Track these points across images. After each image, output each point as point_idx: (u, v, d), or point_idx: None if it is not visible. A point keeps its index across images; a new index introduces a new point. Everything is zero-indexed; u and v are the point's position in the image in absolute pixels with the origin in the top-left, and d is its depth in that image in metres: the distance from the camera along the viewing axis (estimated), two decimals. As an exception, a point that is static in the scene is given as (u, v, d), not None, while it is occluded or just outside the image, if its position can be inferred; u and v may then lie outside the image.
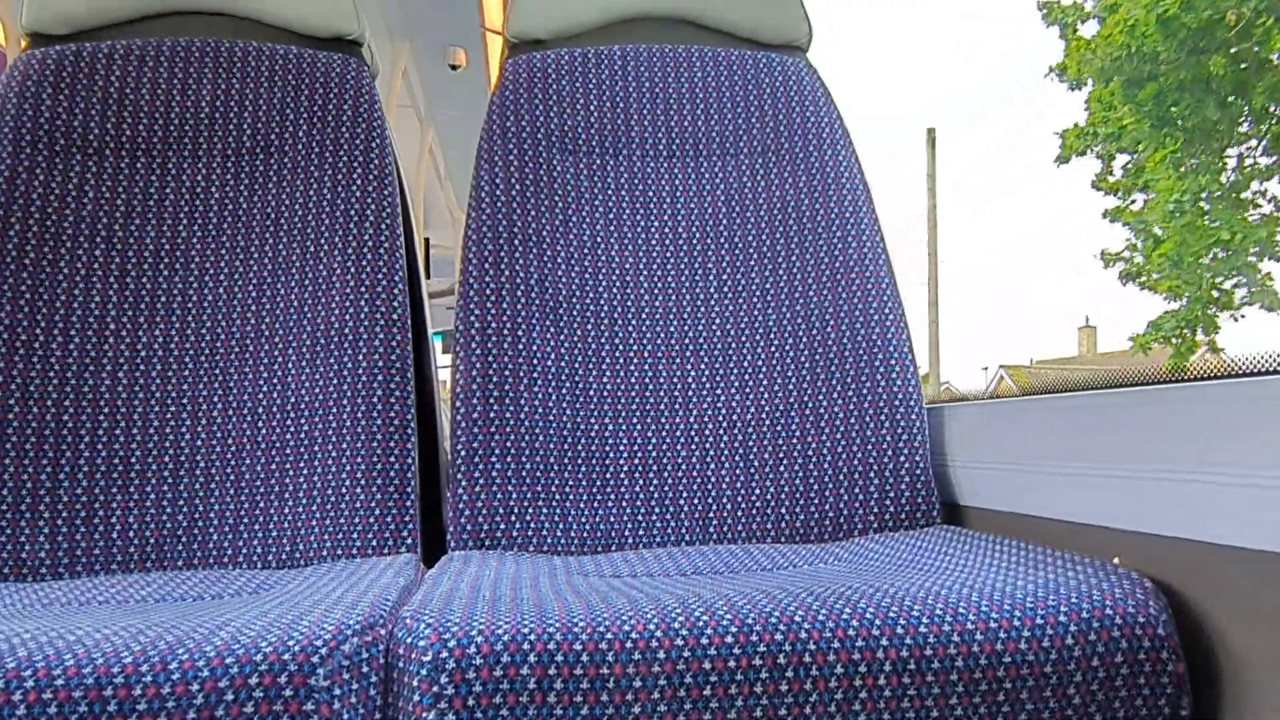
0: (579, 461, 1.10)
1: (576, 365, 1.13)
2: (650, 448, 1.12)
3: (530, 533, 1.05)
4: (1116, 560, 0.76)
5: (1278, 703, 0.61)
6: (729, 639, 0.64)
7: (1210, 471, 0.67)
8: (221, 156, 1.16)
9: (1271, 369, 0.68)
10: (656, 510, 1.10)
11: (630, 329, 1.16)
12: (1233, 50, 10.60)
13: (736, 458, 1.12)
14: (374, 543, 1.02)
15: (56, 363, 1.07)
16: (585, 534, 1.07)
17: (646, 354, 1.15)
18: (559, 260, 1.16)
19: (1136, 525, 0.75)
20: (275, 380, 1.09)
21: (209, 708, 0.59)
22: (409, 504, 1.04)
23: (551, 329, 1.13)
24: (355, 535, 1.02)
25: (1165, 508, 0.71)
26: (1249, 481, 0.63)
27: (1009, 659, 0.64)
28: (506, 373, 1.09)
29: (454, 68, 4.81)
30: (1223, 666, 0.66)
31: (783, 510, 1.10)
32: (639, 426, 1.12)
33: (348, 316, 1.09)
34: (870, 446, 1.10)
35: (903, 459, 1.09)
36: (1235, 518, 0.64)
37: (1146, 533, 0.74)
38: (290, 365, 1.09)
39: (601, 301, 1.16)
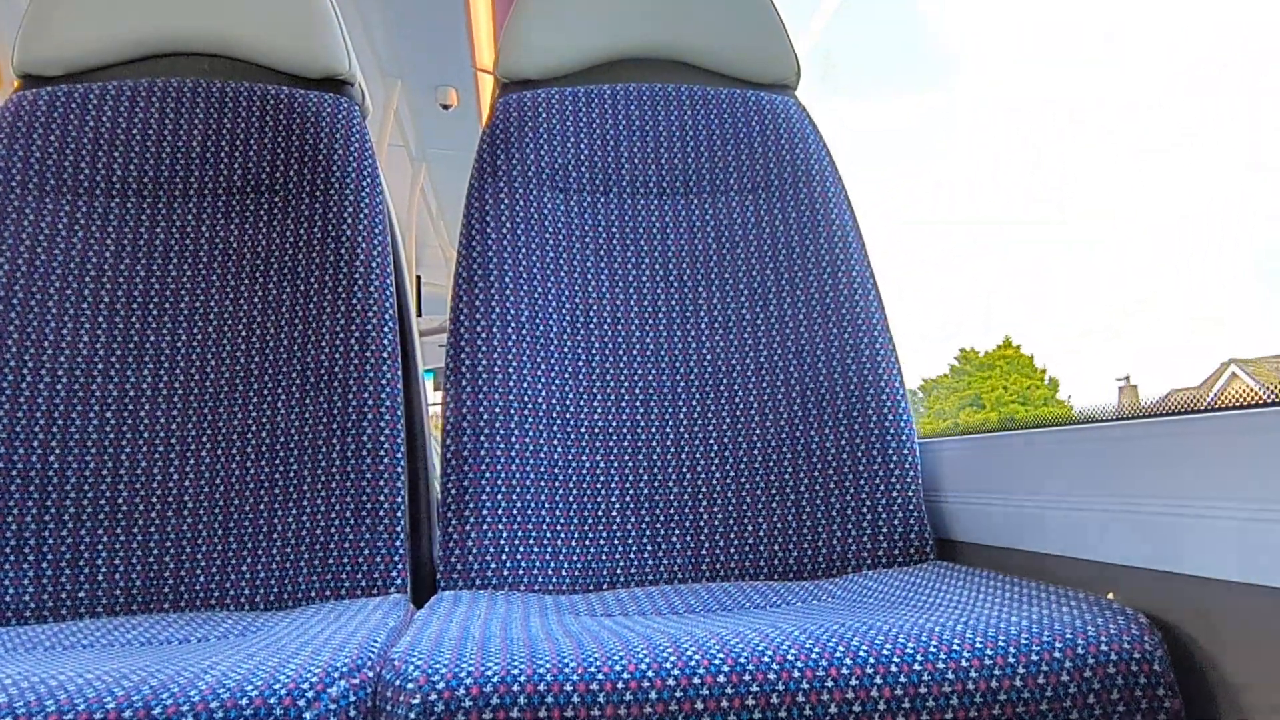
0: (570, 499, 1.09)
1: (568, 402, 1.13)
2: (642, 485, 1.11)
3: (521, 571, 1.04)
4: (1111, 596, 0.75)
5: None
6: (721, 679, 0.63)
7: (1205, 506, 0.66)
8: (212, 196, 1.16)
9: (1263, 402, 0.68)
10: (649, 548, 1.09)
11: (621, 366, 1.16)
12: None
13: (729, 494, 1.12)
14: (363, 583, 1.01)
15: (44, 403, 1.06)
16: (577, 572, 1.06)
17: (638, 391, 1.15)
18: (549, 298, 1.16)
19: (1131, 560, 0.74)
20: (264, 420, 1.08)
21: None
22: (398, 544, 1.03)
23: (542, 366, 1.13)
24: (344, 576, 1.01)
25: (1160, 542, 0.71)
26: (1244, 515, 0.63)
27: (1004, 696, 0.64)
28: (497, 410, 1.09)
29: (445, 107, 4.85)
30: (1219, 702, 0.65)
31: (775, 547, 1.09)
32: (630, 464, 1.12)
33: (337, 355, 1.09)
34: (863, 482, 1.10)
35: (895, 494, 1.09)
36: (1230, 552, 0.64)
37: (1141, 567, 0.73)
38: (279, 405, 1.09)
39: (593, 339, 1.16)
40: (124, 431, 1.07)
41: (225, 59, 1.25)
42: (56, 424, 1.06)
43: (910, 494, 1.09)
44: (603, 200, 1.22)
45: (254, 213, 1.16)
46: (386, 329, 1.10)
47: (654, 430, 1.14)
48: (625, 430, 1.13)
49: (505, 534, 1.04)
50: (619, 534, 1.09)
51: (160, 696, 0.60)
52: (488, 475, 1.06)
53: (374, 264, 1.13)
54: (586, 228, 1.20)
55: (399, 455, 1.06)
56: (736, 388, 1.16)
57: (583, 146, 1.23)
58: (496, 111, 1.24)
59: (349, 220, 1.14)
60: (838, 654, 0.65)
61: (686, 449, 1.13)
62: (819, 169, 1.24)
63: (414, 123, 5.16)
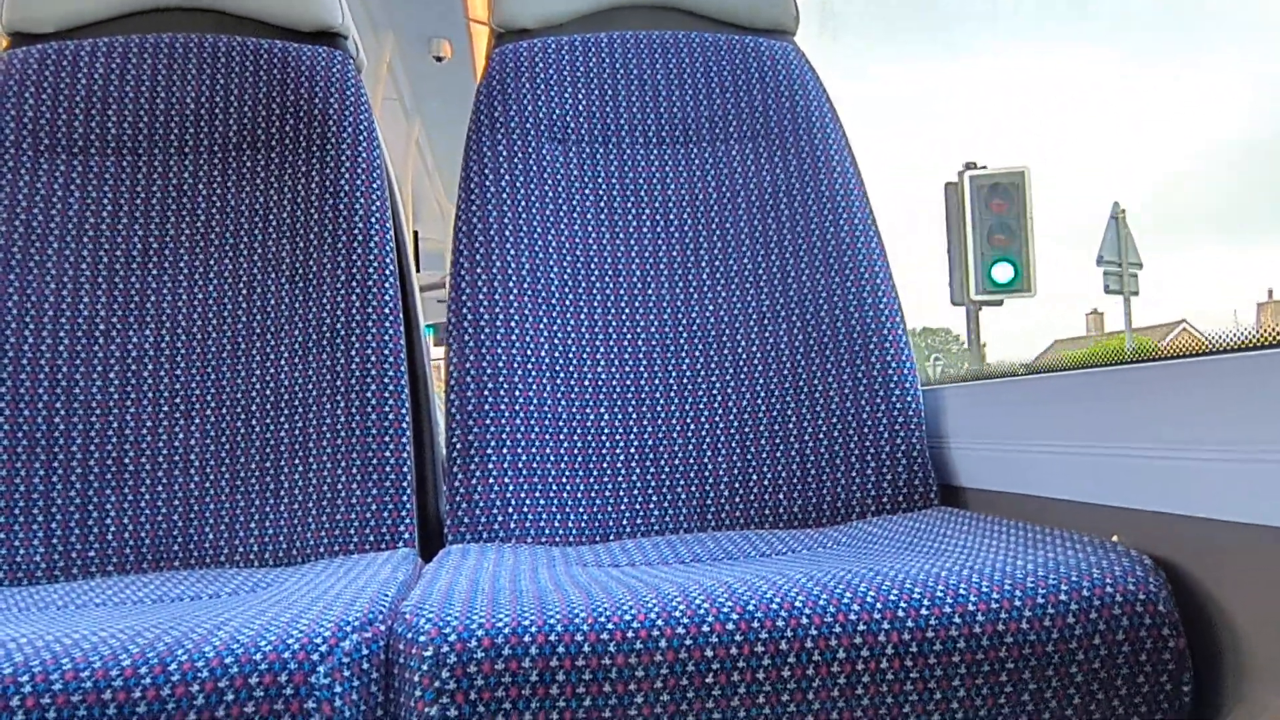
0: (575, 451, 1.10)
1: (570, 355, 1.13)
2: (646, 436, 1.12)
3: (528, 524, 1.04)
4: (1115, 538, 0.76)
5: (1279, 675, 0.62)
6: (730, 626, 0.64)
7: (1207, 447, 0.67)
8: (208, 153, 1.15)
9: (1268, 343, 0.68)
10: (654, 498, 1.10)
11: (624, 317, 1.15)
12: None
13: (733, 444, 1.12)
14: (371, 538, 1.01)
15: (46, 364, 1.06)
16: (583, 524, 1.07)
17: (640, 342, 1.15)
18: (550, 250, 1.15)
19: (1134, 502, 0.75)
20: (268, 377, 1.08)
21: (209, 709, 0.59)
22: (405, 499, 1.03)
23: (544, 319, 1.12)
24: (352, 531, 1.02)
25: (1162, 484, 0.71)
26: (1246, 456, 0.63)
27: (1011, 639, 0.64)
28: (500, 364, 1.09)
29: (439, 59, 4.80)
30: (1223, 641, 0.66)
31: (780, 495, 1.10)
32: (634, 415, 1.12)
33: (339, 312, 1.08)
34: (866, 430, 1.10)
35: (899, 441, 1.09)
36: (1233, 493, 0.64)
37: (1144, 510, 0.74)
38: (283, 362, 1.08)
39: (594, 290, 1.16)
40: (128, 391, 1.07)
41: (217, 13, 1.23)
42: (60, 385, 1.06)
43: (914, 440, 1.09)
44: (602, 150, 1.21)
45: (251, 169, 1.15)
46: (388, 285, 1.10)
47: (657, 381, 1.14)
48: (629, 381, 1.13)
49: (511, 487, 1.05)
50: (624, 485, 1.10)
51: (175, 653, 0.61)
52: (493, 429, 1.06)
53: (373, 219, 1.12)
54: (586, 179, 1.19)
55: (404, 410, 1.06)
56: (739, 337, 1.15)
57: (580, 96, 1.21)
58: (493, 62, 1.23)
59: (346, 175, 1.13)
60: (844, 600, 0.65)
61: (690, 399, 1.13)
62: (819, 115, 1.23)
63: (407, 76, 5.11)
